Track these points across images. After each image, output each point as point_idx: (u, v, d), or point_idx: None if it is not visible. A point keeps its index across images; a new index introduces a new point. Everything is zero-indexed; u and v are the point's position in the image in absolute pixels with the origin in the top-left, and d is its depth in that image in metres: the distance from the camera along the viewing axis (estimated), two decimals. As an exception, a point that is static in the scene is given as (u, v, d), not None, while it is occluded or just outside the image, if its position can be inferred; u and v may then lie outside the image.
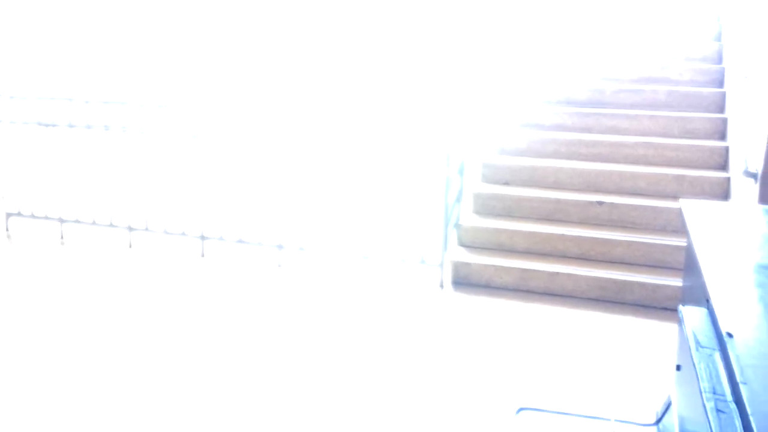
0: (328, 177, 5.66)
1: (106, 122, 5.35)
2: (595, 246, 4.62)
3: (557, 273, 4.49)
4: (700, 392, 0.81)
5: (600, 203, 4.79)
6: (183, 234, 5.23)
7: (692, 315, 1.02)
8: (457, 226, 4.89)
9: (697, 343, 0.92)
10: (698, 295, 1.10)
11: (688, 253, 1.36)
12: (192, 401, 3.06)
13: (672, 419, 1.55)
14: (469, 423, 2.90)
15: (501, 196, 5.01)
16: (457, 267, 4.66)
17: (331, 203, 5.58)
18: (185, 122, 5.27)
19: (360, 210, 5.41)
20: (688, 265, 1.38)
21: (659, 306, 4.27)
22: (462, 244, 4.86)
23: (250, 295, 4.39)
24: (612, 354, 3.65)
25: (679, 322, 1.39)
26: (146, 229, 5.32)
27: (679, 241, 4.49)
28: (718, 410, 0.76)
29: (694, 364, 0.88)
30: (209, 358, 3.50)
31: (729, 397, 0.78)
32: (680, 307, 1.06)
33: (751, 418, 0.70)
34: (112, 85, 8.09)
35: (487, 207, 5.03)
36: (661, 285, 4.28)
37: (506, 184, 5.20)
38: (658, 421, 1.62)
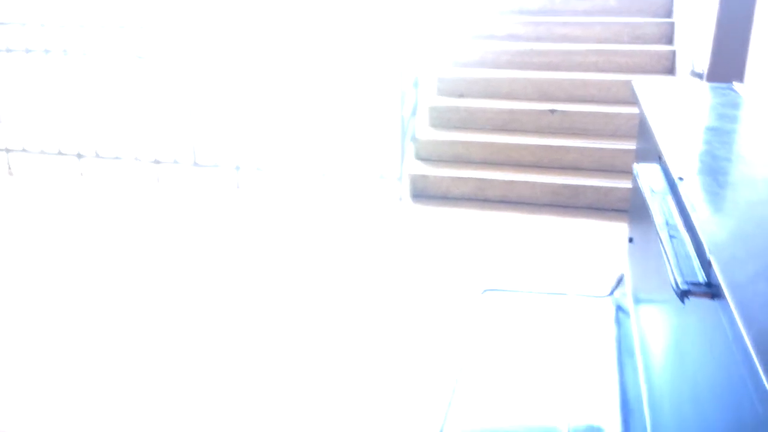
0: (283, 96, 5.57)
1: (46, 46, 5.12)
2: (549, 153, 4.72)
3: (513, 181, 4.58)
4: (655, 227, 0.87)
5: (553, 111, 4.86)
6: (136, 159, 5.13)
7: (646, 170, 1.08)
8: (414, 139, 4.91)
9: (652, 190, 0.98)
10: (651, 156, 1.16)
11: (641, 121, 1.42)
12: (149, 325, 3.10)
13: (625, 289, 1.65)
14: (437, 306, 3.03)
15: (456, 109, 5.03)
16: (415, 180, 4.72)
17: (287, 122, 5.53)
18: (130, 43, 5.09)
19: (317, 128, 5.37)
20: (641, 133, 1.44)
21: (610, 208, 4.42)
22: (419, 158, 4.90)
23: (208, 217, 4.38)
24: (567, 249, 3.81)
25: (634, 179, 1.47)
26: (97, 156, 5.20)
27: (629, 146, 4.61)
28: (671, 236, 0.82)
29: (648, 207, 0.94)
30: (166, 282, 3.51)
31: (681, 226, 0.85)
32: (634, 166, 1.12)
33: (702, 239, 0.76)
34: (51, 7, 7.69)
35: (443, 120, 5.06)
36: (612, 188, 4.42)
37: (461, 96, 5.22)
38: (612, 292, 1.72)
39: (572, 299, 1.73)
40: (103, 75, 5.49)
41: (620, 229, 4.08)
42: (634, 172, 1.09)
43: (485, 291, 1.80)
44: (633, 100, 5.00)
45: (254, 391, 2.54)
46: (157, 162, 5.06)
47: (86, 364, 2.70)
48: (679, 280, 0.71)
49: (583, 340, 1.57)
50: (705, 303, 0.72)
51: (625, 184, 4.39)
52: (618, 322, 1.59)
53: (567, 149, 4.68)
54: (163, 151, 5.11)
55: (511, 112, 4.94)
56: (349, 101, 5.39)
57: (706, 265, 0.71)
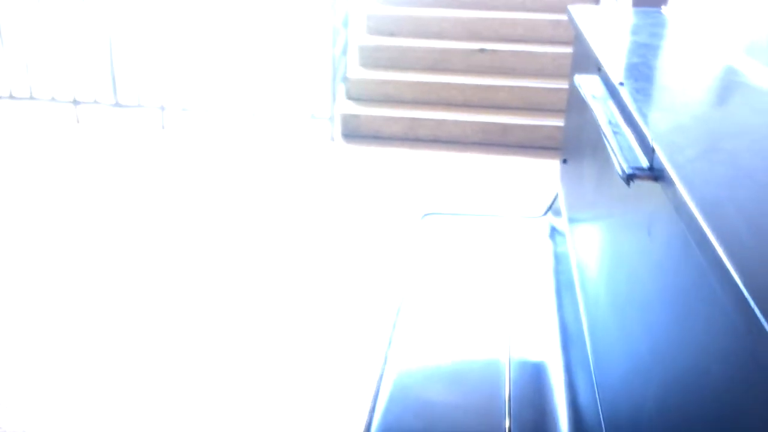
0: (210, 33, 5.38)
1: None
2: (479, 92, 4.78)
3: (443, 120, 4.63)
4: (599, 127, 0.91)
5: (482, 51, 4.90)
6: (53, 100, 4.88)
7: (585, 80, 1.12)
8: (345, 79, 4.87)
9: (593, 96, 1.02)
10: (589, 69, 1.20)
11: (577, 38, 1.46)
12: (64, 274, 3.01)
13: (559, 208, 1.72)
14: (374, 237, 3.07)
15: (386, 48, 5.00)
16: (347, 119, 4.69)
17: (215, 60, 5.35)
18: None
19: (246, 67, 5.23)
20: (577, 51, 1.49)
21: (538, 145, 4.55)
22: (350, 97, 4.87)
23: (132, 160, 4.23)
24: (497, 184, 3.91)
25: (571, 94, 1.52)
26: (11, 97, 4.91)
27: (555, 84, 4.72)
28: (614, 132, 0.87)
29: (591, 111, 0.98)
30: (86, 229, 3.41)
31: (623, 124, 0.89)
32: (575, 77, 1.16)
33: (644, 130, 0.80)
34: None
35: (374, 59, 5.02)
36: (539, 126, 4.54)
37: (391, 35, 5.18)
38: (546, 212, 1.79)
39: (508, 220, 1.80)
40: (17, 8, 5.14)
41: (547, 165, 4.21)
42: (575, 83, 1.13)
43: (425, 215, 1.83)
44: (559, 40, 5.07)
45: (192, 336, 2.52)
46: (75, 102, 4.83)
47: None
48: (624, 166, 0.75)
49: (520, 261, 1.63)
50: (649, 186, 0.77)
51: (552, 122, 4.51)
52: (553, 239, 1.67)
53: (496, 88, 4.75)
54: (83, 91, 4.87)
55: (442, 51, 4.95)
56: (279, 40, 5.26)
57: (649, 152, 0.76)
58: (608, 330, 1.08)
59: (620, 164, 0.76)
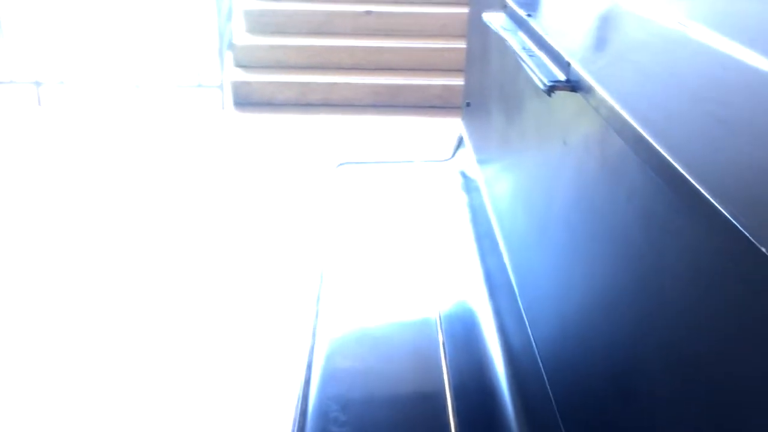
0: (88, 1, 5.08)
1: None
2: (367, 55, 4.83)
3: (335, 84, 4.66)
4: (514, 53, 1.00)
5: (368, 13, 4.95)
6: None
7: (492, 16, 1.21)
8: (232, 46, 4.77)
9: (503, 27, 1.11)
10: (494, 7, 1.29)
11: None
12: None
13: (465, 149, 1.82)
14: (281, 195, 3.08)
15: (272, 12, 4.94)
16: (237, 87, 4.62)
17: (93, 29, 5.07)
18: None
19: (127, 36, 4.99)
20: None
21: (428, 105, 4.68)
22: (239, 65, 4.79)
23: (5, 141, 3.96)
24: (394, 141, 4.01)
25: (474, 31, 1.61)
26: None
27: (441, 44, 4.86)
28: (530, 55, 0.96)
29: (504, 41, 1.07)
30: (-16, 198, 3.20)
31: (536, 49, 0.99)
32: (483, 15, 1.24)
33: (558, 49, 0.89)
34: None
35: (260, 24, 4.95)
36: (429, 85, 4.67)
37: None
38: (454, 154, 1.90)
39: (420, 165, 1.88)
40: None
41: (439, 123, 4.35)
42: (485, 21, 1.21)
43: (340, 164, 1.88)
44: (444, 1, 5.16)
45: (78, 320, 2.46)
46: (-65, 81, 4.44)
47: None
48: (545, 80, 0.84)
49: (436, 205, 1.70)
50: (563, 100, 0.87)
51: (440, 81, 4.66)
52: (465, 179, 1.77)
53: (384, 50, 4.83)
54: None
55: (328, 14, 4.96)
56: (161, 6, 5.06)
57: (565, 66, 0.85)
58: (529, 256, 1.18)
59: (540, 79, 0.85)
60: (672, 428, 0.62)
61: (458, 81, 4.63)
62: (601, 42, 0.97)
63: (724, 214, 0.48)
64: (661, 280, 0.64)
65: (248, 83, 4.62)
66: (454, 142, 1.94)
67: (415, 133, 4.22)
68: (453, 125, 4.23)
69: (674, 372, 0.62)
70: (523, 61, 0.94)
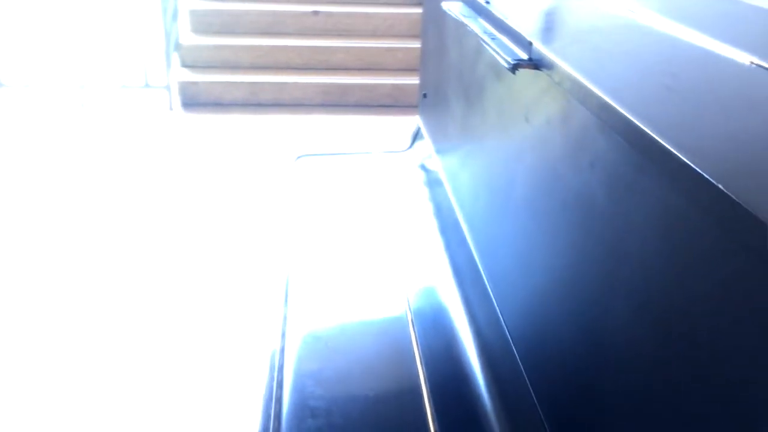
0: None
1: None
2: (316, 55, 4.85)
3: (284, 83, 4.66)
4: (476, 37, 1.04)
5: (316, 13, 4.96)
6: None
7: (450, 5, 1.25)
8: (178, 45, 4.71)
9: (463, 14, 1.15)
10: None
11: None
12: None
13: (423, 139, 1.86)
14: (233, 196, 3.07)
15: (218, 12, 4.91)
16: (185, 87, 4.57)
17: (35, 29, 4.92)
18: None
19: (70, 36, 4.87)
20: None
21: (378, 104, 4.72)
22: (186, 65, 4.73)
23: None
24: (346, 140, 4.03)
25: (429, 24, 1.65)
26: None
27: (390, 44, 4.91)
28: (492, 38, 1.00)
29: (465, 26, 1.11)
30: None
31: (496, 32, 1.03)
32: (441, 4, 1.28)
33: (519, 30, 0.93)
34: None
35: (206, 24, 4.90)
36: (378, 84, 4.71)
37: (222, -1, 5.08)
38: (412, 145, 1.93)
39: (379, 156, 1.91)
40: None
41: (389, 121, 4.39)
42: (444, 10, 1.25)
43: (299, 157, 1.90)
44: (391, 1, 5.22)
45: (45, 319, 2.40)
46: None
47: None
48: (509, 59, 0.88)
49: (397, 195, 1.73)
50: (525, 79, 0.91)
51: (389, 80, 4.71)
52: (424, 169, 1.81)
53: (333, 50, 4.85)
54: None
55: (275, 14, 4.95)
56: (105, 6, 4.95)
57: (527, 46, 0.90)
58: (493, 237, 1.22)
59: (504, 59, 0.89)
60: (643, 392, 0.66)
61: (408, 80, 4.70)
62: (557, 26, 1.02)
63: (689, 164, 0.53)
64: (628, 241, 0.69)
65: (196, 83, 4.57)
66: (411, 134, 1.98)
67: (366, 132, 4.25)
68: (403, 123, 4.27)
69: (645, 336, 0.66)
70: (486, 43, 0.98)
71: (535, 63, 0.87)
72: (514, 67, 0.87)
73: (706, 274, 0.54)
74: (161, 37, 4.48)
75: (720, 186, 0.49)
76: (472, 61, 1.27)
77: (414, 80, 4.66)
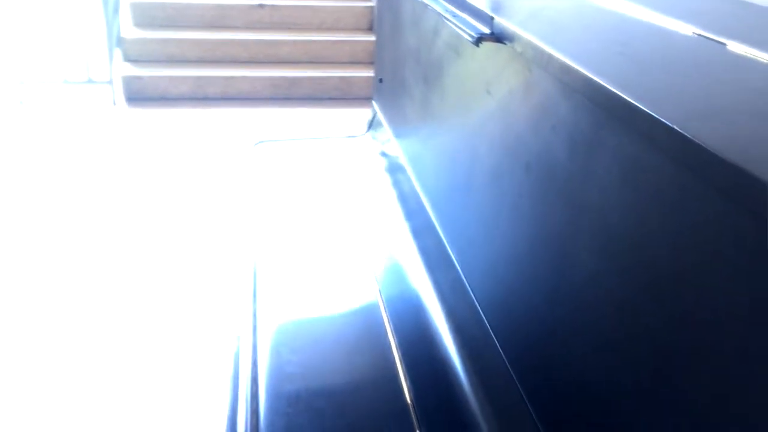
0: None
1: None
2: (263, 48, 4.83)
3: (232, 77, 4.63)
4: (439, 15, 1.10)
5: (261, 6, 4.95)
6: None
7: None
8: (120, 39, 4.62)
9: (424, 4, 1.21)
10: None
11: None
12: None
13: (379, 124, 1.91)
14: (200, 170, 3.05)
15: (161, 5, 4.84)
16: (129, 82, 4.49)
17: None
18: None
19: (8, 32, 4.71)
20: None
21: (326, 97, 4.74)
22: (129, 59, 4.65)
23: None
24: (296, 129, 4.04)
25: (384, 11, 1.70)
26: None
27: (336, 37, 4.94)
28: (454, 15, 1.05)
29: (428, 6, 1.16)
30: None
31: (457, 11, 1.09)
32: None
33: (480, 7, 0.99)
34: None
35: (149, 17, 4.83)
36: (325, 77, 4.73)
37: (164, -7, 5.00)
38: (369, 129, 1.98)
39: (337, 141, 1.95)
40: None
41: (338, 114, 4.42)
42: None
43: (258, 143, 1.92)
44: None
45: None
46: None
47: None
48: (473, 33, 0.94)
49: (356, 177, 1.76)
50: (491, 48, 0.97)
51: (337, 73, 4.73)
52: (383, 153, 1.85)
53: (280, 43, 4.84)
54: None
55: (219, 7, 4.91)
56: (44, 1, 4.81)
57: (488, 21, 0.95)
58: (456, 210, 1.27)
59: (468, 33, 0.95)
60: (608, 339, 0.71)
61: (356, 73, 4.74)
62: (515, 3, 1.09)
63: (647, 111, 0.59)
64: (590, 193, 0.75)
65: (140, 78, 4.50)
66: (368, 121, 2.03)
67: (316, 125, 4.27)
68: (353, 115, 4.33)
69: (609, 283, 0.72)
70: (448, 20, 1.04)
71: (498, 36, 0.93)
72: (478, 41, 0.93)
73: (667, 215, 0.61)
74: (103, 30, 4.39)
75: (675, 127, 0.55)
76: (431, 42, 1.33)
77: (362, 73, 4.73)
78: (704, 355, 0.56)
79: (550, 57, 0.78)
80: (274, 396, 1.03)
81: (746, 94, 0.65)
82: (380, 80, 1.92)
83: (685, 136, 0.54)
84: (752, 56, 0.76)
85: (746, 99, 0.64)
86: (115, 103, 4.41)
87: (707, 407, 0.56)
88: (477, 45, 0.93)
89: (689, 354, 0.58)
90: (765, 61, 0.74)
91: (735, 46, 0.80)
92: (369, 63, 4.89)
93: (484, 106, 1.06)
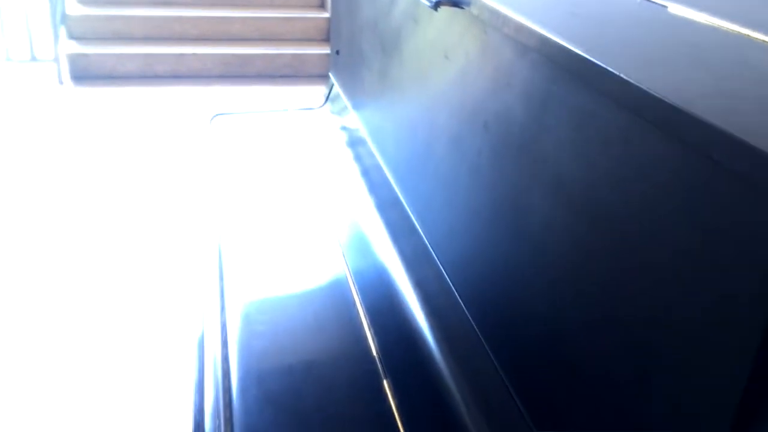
0: None
1: None
2: (214, 25, 4.77)
3: (182, 55, 4.56)
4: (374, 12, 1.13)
5: (210, -17, 4.87)
6: None
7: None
8: (65, 17, 4.50)
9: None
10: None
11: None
12: None
13: (337, 96, 1.94)
14: (132, 169, 3.02)
15: (107, -19, 4.72)
16: (75, 60, 4.38)
17: None
18: None
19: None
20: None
21: (279, 74, 4.72)
22: (74, 37, 4.53)
23: None
24: (248, 106, 4.02)
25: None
26: None
27: (287, 14, 4.91)
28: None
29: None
30: None
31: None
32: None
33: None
34: None
35: (94, -6, 4.71)
36: (277, 54, 4.71)
37: (109, -32, 4.88)
38: (326, 102, 2.00)
39: (294, 114, 1.97)
40: None
41: (290, 91, 4.41)
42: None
43: (214, 116, 1.92)
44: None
45: None
46: None
47: None
48: (429, 3, 0.98)
49: (316, 148, 1.78)
50: (448, 13, 1.01)
51: (289, 50, 4.71)
52: (341, 123, 1.88)
53: (231, 20, 4.79)
54: None
55: (168, -16, 4.82)
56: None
57: (445, -13, 1.00)
58: (417, 177, 1.31)
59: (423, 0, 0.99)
60: (567, 283, 0.76)
61: (307, 50, 4.73)
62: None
63: (598, 63, 0.64)
64: (545, 143, 0.80)
65: (86, 56, 4.40)
66: (325, 93, 2.05)
67: (268, 102, 4.26)
68: (306, 92, 4.33)
69: (563, 226, 0.77)
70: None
71: (455, 1, 0.97)
72: (436, 5, 0.97)
73: (614, 158, 0.66)
74: (46, 7, 4.26)
75: (622, 75, 0.60)
76: (388, 11, 1.36)
77: (314, 50, 4.72)
78: (651, 289, 0.62)
79: (506, 18, 0.83)
80: (245, 374, 1.04)
81: (684, 48, 0.71)
82: (337, 52, 1.94)
83: (631, 82, 0.59)
84: (689, 17, 0.83)
85: (684, 52, 0.70)
86: (61, 82, 4.30)
87: (659, 341, 0.62)
88: (435, 9, 0.97)
89: (637, 286, 0.64)
90: (700, 20, 0.81)
91: (675, 8, 0.86)
92: (321, 40, 4.88)
93: (443, 71, 1.11)
